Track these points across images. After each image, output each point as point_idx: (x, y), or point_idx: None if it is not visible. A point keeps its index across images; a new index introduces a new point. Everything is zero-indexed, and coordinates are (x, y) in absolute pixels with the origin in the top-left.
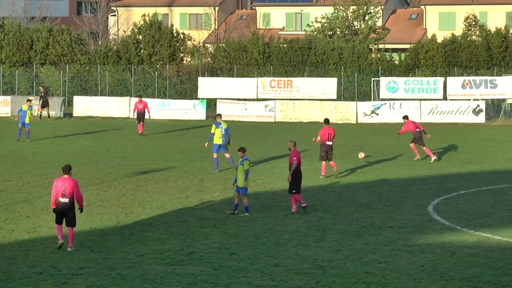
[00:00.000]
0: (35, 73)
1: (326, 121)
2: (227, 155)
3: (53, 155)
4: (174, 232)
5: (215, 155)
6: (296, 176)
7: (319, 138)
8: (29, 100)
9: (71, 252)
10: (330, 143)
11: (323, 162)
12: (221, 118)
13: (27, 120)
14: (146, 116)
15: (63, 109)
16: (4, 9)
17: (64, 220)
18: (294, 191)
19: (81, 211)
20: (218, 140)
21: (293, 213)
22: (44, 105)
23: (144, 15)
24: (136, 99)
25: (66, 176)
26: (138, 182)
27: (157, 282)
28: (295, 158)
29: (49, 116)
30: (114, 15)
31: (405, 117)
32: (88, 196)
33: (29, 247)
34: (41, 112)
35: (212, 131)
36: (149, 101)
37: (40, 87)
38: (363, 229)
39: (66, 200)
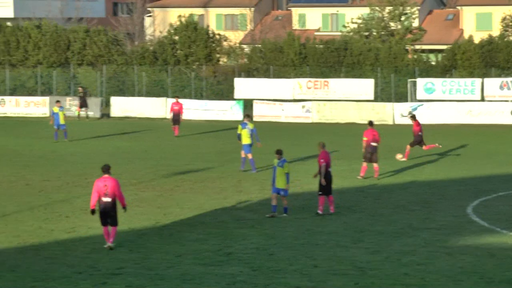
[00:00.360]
0: (73, 74)
1: (370, 123)
2: (251, 156)
3: (91, 155)
4: (212, 233)
5: (249, 156)
6: (324, 177)
7: (365, 138)
8: (58, 101)
9: (110, 251)
10: (375, 144)
11: (365, 164)
12: (248, 118)
13: (61, 121)
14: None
15: (101, 110)
16: (41, 10)
17: (108, 219)
18: (320, 193)
19: (125, 209)
20: (246, 140)
21: (319, 214)
22: (83, 105)
23: (180, 16)
24: (173, 100)
25: (106, 175)
26: (176, 183)
27: (196, 282)
28: (322, 160)
29: (87, 116)
30: (150, 15)
31: (413, 117)
32: (126, 197)
33: (69, 247)
34: (79, 112)
35: (239, 132)
36: (186, 101)
37: (80, 88)
38: (401, 231)
39: (108, 199)
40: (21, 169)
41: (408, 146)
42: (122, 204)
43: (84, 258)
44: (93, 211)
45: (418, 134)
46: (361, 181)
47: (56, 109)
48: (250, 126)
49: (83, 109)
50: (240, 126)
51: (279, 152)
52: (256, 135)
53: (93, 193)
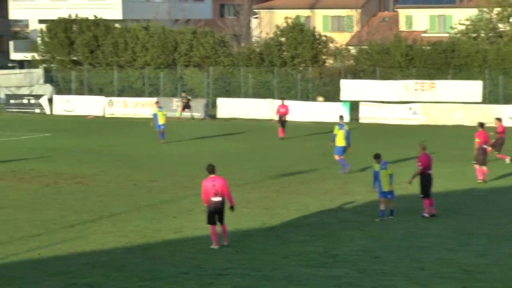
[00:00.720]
0: (180, 75)
1: (481, 125)
2: (339, 157)
3: (198, 156)
4: (318, 234)
5: (337, 157)
6: (424, 180)
7: (477, 140)
8: (157, 102)
9: (217, 252)
10: (486, 146)
11: (477, 166)
12: (343, 119)
13: (160, 122)
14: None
15: (207, 111)
16: (149, 12)
17: (217, 218)
18: (422, 196)
19: (233, 209)
20: (341, 142)
21: (425, 217)
22: (186, 107)
23: (286, 17)
24: (279, 102)
25: (214, 175)
26: (282, 184)
27: (302, 284)
28: (420, 163)
29: (193, 117)
30: (257, 17)
31: (499, 119)
32: (233, 197)
33: (175, 247)
34: (181, 113)
35: (335, 132)
36: (292, 103)
37: (183, 93)
38: (510, 234)
39: (219, 198)
40: (128, 169)
41: (495, 153)
42: (230, 203)
43: (190, 258)
44: (206, 210)
45: (502, 137)
46: (470, 183)
47: (155, 110)
48: (346, 127)
49: (186, 110)
50: (337, 127)
51: (377, 157)
52: (349, 137)
53: (203, 194)
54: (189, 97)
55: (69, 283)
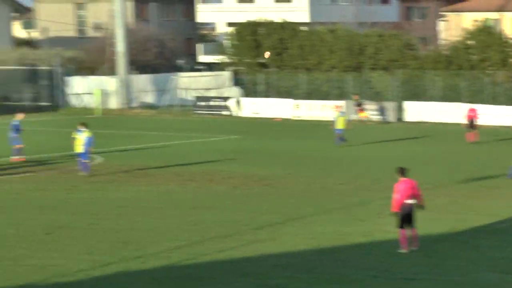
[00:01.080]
0: (366, 78)
1: None
2: None
3: (384, 159)
4: (509, 240)
5: None
6: None
7: None
8: (338, 106)
9: (406, 256)
10: None
11: None
12: None
13: (337, 126)
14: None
15: (395, 115)
16: (336, 15)
17: (408, 222)
18: None
19: (423, 208)
20: None
21: None
22: (361, 110)
23: (474, 20)
24: (467, 105)
25: (406, 178)
26: (471, 189)
27: None
28: None
29: (370, 120)
30: (444, 20)
31: None
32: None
33: (364, 250)
34: (362, 114)
35: None
36: (481, 107)
37: (355, 96)
38: None
39: (413, 201)
40: (315, 172)
41: None
42: (421, 203)
43: (379, 262)
44: (397, 214)
45: None
46: None
47: (337, 114)
48: None
49: (363, 113)
50: None
51: None
52: None
53: (395, 197)
54: (361, 101)
55: (258, 284)
